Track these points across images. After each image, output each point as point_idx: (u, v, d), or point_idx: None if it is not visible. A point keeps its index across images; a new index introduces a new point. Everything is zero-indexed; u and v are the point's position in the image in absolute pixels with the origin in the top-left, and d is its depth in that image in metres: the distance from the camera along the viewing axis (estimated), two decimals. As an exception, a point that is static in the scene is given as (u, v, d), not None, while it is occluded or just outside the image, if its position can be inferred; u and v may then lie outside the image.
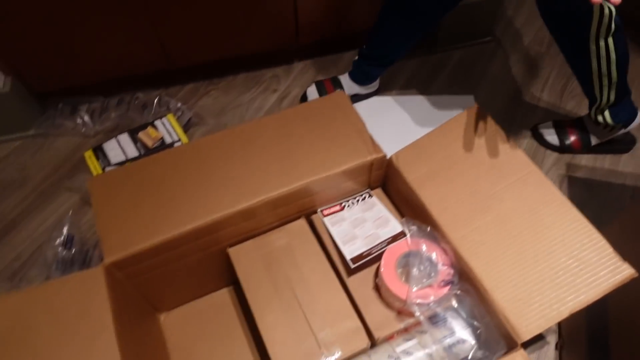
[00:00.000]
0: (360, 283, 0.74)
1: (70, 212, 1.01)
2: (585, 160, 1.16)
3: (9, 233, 1.05)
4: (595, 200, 1.09)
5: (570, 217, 0.65)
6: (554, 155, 1.17)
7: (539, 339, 0.89)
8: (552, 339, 0.89)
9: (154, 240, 0.69)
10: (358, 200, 0.83)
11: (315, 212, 0.82)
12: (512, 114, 1.26)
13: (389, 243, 0.74)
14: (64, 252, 0.91)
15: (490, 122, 0.75)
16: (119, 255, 0.68)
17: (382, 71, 1.21)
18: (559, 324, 0.89)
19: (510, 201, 0.68)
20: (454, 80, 1.32)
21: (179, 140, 1.11)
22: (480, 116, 0.76)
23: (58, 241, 0.91)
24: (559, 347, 0.88)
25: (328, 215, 0.81)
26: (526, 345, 0.63)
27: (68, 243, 0.91)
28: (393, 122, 1.21)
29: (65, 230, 0.93)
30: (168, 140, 1.11)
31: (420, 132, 0.80)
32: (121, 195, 0.74)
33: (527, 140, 1.20)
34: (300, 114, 0.83)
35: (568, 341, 0.85)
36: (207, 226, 0.72)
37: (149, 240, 0.69)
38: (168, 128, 1.12)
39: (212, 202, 0.72)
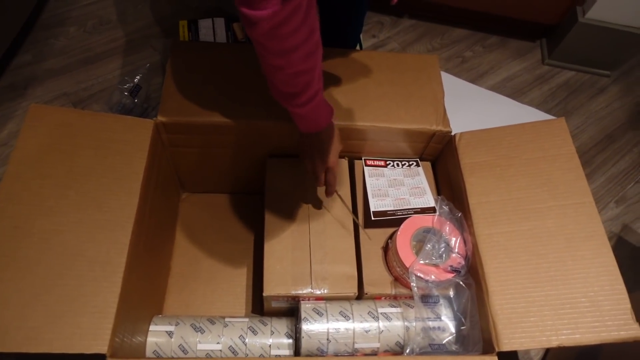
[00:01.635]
0: (372, 239, 0.75)
1: (148, 65, 1.06)
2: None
3: (89, 64, 1.12)
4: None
5: (603, 262, 0.62)
6: (616, 211, 1.10)
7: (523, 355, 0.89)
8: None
9: (207, 118, 0.72)
10: (404, 165, 0.82)
11: (359, 158, 0.82)
12: (592, 157, 1.18)
13: (416, 212, 0.73)
14: (128, 99, 0.96)
15: (569, 142, 0.71)
16: (172, 119, 0.71)
17: None
18: (547, 351, 0.87)
19: (552, 221, 0.65)
20: (551, 98, 1.25)
21: (266, 45, 1.12)
22: (561, 132, 0.72)
23: (127, 86, 0.96)
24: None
25: (370, 166, 0.81)
26: (507, 359, 0.62)
27: (134, 92, 0.95)
28: (469, 111, 1.16)
29: (137, 80, 0.98)
30: (256, 40, 1.12)
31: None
32: (197, 67, 0.77)
33: (596, 185, 1.14)
34: (388, 60, 0.82)
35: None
36: (257, 126, 0.74)
37: (203, 117, 0.72)
38: (261, 30, 1.13)
39: (273, 107, 0.73)
